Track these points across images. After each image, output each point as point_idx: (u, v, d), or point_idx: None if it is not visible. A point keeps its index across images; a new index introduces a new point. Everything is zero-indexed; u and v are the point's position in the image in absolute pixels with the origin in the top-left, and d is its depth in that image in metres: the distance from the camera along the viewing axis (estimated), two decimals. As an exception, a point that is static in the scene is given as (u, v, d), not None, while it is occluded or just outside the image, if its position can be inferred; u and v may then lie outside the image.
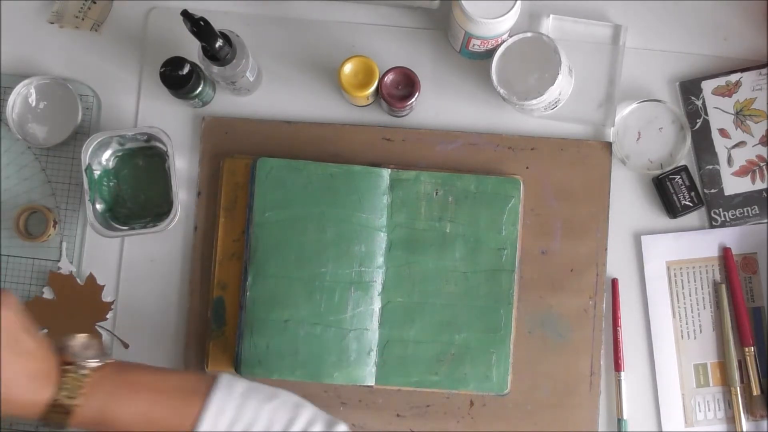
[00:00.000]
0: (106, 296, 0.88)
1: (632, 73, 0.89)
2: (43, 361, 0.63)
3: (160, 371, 0.68)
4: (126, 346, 0.87)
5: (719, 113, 0.88)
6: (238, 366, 0.83)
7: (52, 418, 0.62)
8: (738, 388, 0.85)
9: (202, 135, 0.89)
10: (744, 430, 0.85)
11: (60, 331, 0.87)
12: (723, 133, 0.88)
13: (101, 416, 0.63)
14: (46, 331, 0.87)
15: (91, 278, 0.88)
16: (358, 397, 0.86)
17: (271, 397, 0.66)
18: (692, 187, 0.87)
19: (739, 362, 0.86)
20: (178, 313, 0.87)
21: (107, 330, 0.87)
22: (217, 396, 0.65)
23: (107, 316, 0.88)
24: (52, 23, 0.89)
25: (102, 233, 0.83)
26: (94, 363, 0.64)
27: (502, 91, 0.83)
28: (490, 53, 0.84)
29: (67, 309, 0.87)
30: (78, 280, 0.88)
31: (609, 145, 0.88)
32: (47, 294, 0.88)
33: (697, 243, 0.88)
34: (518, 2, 0.79)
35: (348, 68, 0.84)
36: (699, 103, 0.89)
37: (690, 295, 0.87)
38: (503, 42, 0.83)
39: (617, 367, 0.86)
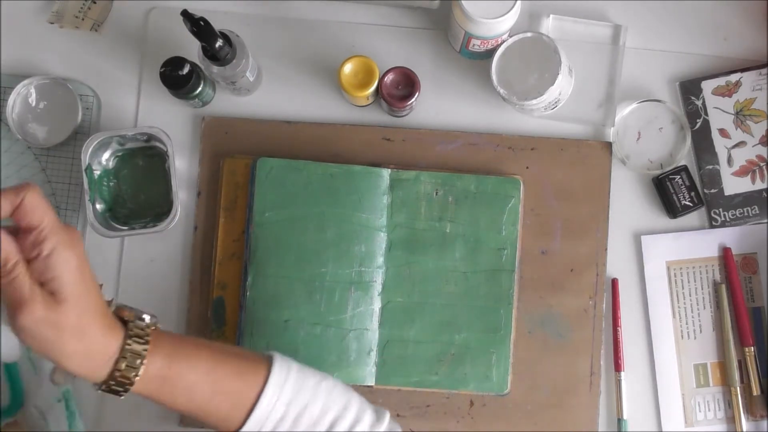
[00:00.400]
0: (105, 295, 0.88)
1: (632, 73, 0.89)
2: (105, 306, 0.60)
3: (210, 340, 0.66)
4: None
5: (719, 113, 0.88)
6: (238, 366, 0.83)
7: (122, 374, 0.58)
8: (738, 388, 0.85)
9: (202, 135, 0.89)
10: (744, 430, 0.85)
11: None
12: (723, 133, 0.88)
13: (167, 371, 0.60)
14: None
15: (91, 278, 0.88)
16: (358, 397, 0.86)
17: (325, 377, 0.66)
18: (692, 187, 0.87)
19: (739, 362, 0.86)
20: (178, 313, 0.87)
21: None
22: (278, 366, 0.63)
23: (107, 316, 0.87)
24: (52, 23, 0.89)
25: (102, 233, 0.83)
26: (149, 319, 0.61)
27: (502, 91, 0.83)
28: (490, 53, 0.84)
29: (67, 309, 0.87)
30: (78, 280, 0.88)
31: (609, 145, 0.88)
32: (47, 294, 0.87)
33: (697, 243, 0.88)
34: (518, 2, 0.79)
35: (348, 68, 0.84)
36: (699, 103, 0.89)
37: (690, 295, 0.87)
38: (503, 42, 0.83)
39: (617, 367, 0.86)
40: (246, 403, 0.62)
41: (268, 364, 0.64)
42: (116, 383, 0.59)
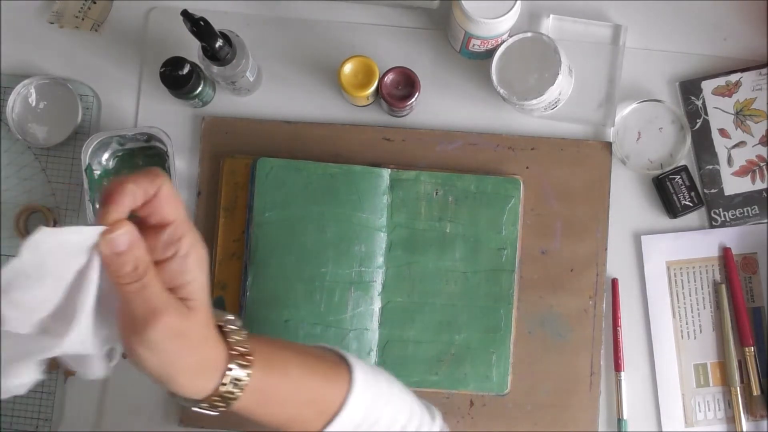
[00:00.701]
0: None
1: (632, 73, 0.89)
2: None
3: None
4: (125, 356, 0.87)
5: (719, 113, 0.88)
6: (238, 366, 0.83)
7: (227, 388, 0.51)
8: (738, 388, 0.85)
9: (202, 135, 0.89)
10: (744, 430, 0.85)
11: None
12: (723, 133, 0.88)
13: (264, 381, 0.53)
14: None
15: (91, 278, 0.87)
16: (358, 397, 0.86)
17: (389, 378, 0.62)
18: (692, 187, 0.87)
19: (739, 362, 0.86)
20: (178, 313, 0.87)
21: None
22: (358, 369, 0.59)
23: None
24: (52, 23, 0.89)
25: (102, 233, 0.83)
26: (239, 324, 0.55)
27: (502, 91, 0.83)
28: (490, 53, 0.84)
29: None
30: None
31: (609, 145, 0.88)
32: (47, 294, 0.87)
33: (697, 243, 0.88)
34: (518, 2, 0.79)
35: (348, 68, 0.84)
36: (699, 103, 0.89)
37: (690, 295, 0.87)
38: (503, 42, 0.83)
39: (617, 367, 0.86)
40: (331, 409, 0.57)
41: (347, 366, 0.59)
42: (220, 398, 0.52)
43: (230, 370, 0.52)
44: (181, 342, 0.48)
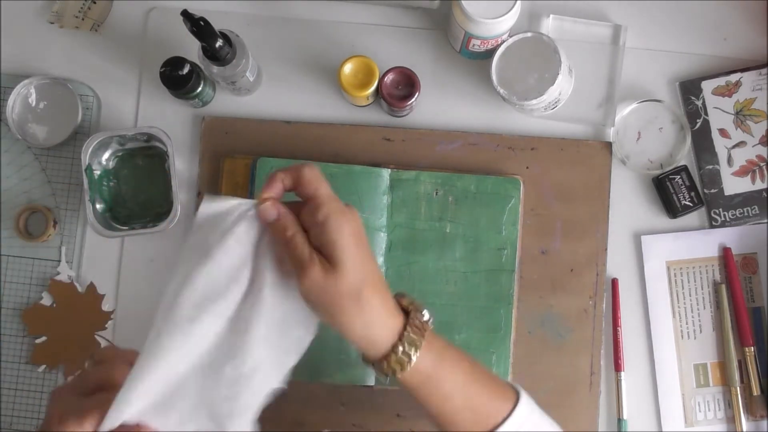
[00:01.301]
0: (106, 305, 0.87)
1: (632, 73, 0.89)
2: (387, 287, 0.62)
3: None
4: None
5: (719, 113, 0.88)
6: (238, 366, 0.83)
7: (396, 358, 0.60)
8: (738, 388, 0.85)
9: (202, 135, 0.89)
10: (744, 430, 0.85)
11: (59, 339, 0.87)
12: (723, 133, 0.88)
13: (431, 370, 0.61)
14: (45, 338, 0.87)
15: (91, 287, 0.87)
16: (358, 397, 0.86)
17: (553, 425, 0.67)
18: (692, 187, 0.87)
19: (739, 362, 0.86)
20: (178, 313, 0.87)
21: (106, 339, 0.87)
22: (525, 402, 0.64)
23: (106, 326, 0.87)
24: (52, 23, 0.89)
25: (102, 233, 0.83)
26: (426, 316, 0.63)
27: (502, 91, 0.83)
28: (490, 53, 0.84)
29: (67, 317, 0.87)
30: (78, 287, 0.87)
31: (609, 145, 0.88)
32: (46, 299, 0.87)
33: (697, 243, 0.88)
34: (518, 2, 0.79)
35: (348, 68, 0.84)
36: (699, 103, 0.89)
37: (690, 295, 0.87)
38: (503, 42, 0.83)
39: (617, 367, 0.86)
40: (489, 422, 0.63)
41: (516, 395, 0.65)
42: (388, 365, 0.60)
43: (401, 343, 0.60)
44: (332, 295, 0.58)
